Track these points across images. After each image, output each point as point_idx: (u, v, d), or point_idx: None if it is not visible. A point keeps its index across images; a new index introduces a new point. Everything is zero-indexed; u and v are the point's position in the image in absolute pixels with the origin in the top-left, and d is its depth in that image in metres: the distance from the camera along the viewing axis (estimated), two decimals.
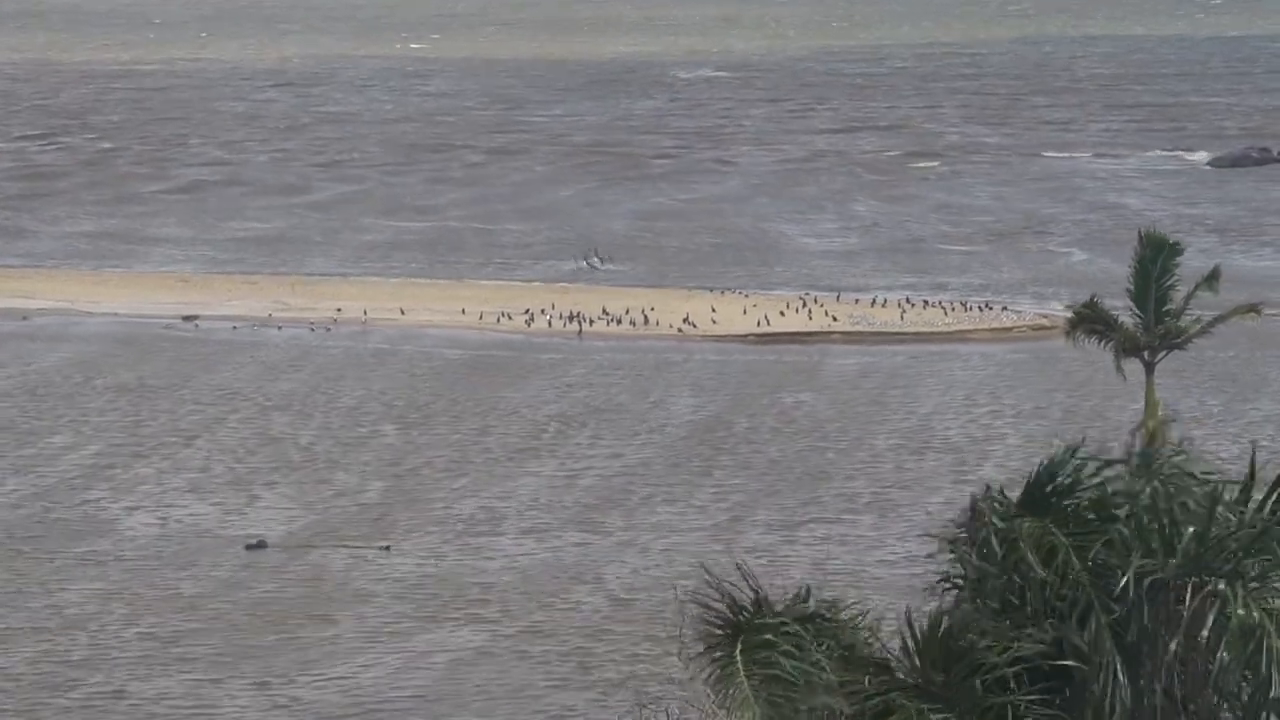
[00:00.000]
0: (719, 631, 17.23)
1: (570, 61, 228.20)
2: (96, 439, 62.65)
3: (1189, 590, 16.94)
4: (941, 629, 16.95)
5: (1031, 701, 16.78)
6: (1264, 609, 16.67)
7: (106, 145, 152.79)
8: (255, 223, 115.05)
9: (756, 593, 17.44)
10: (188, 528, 52.78)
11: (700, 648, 17.23)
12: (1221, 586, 16.85)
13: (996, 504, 17.84)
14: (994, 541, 17.47)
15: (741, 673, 16.78)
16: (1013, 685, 16.74)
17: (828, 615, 17.49)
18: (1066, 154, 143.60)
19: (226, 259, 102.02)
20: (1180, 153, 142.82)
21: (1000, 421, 65.29)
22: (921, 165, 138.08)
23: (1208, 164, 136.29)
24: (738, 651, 16.91)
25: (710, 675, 17.04)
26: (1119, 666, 16.82)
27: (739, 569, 17.81)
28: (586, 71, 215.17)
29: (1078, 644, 16.87)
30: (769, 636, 16.99)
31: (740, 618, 17.26)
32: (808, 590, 17.96)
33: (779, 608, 17.42)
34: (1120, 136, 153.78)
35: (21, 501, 55.30)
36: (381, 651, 43.51)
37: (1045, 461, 17.97)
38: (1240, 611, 16.64)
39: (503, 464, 59.39)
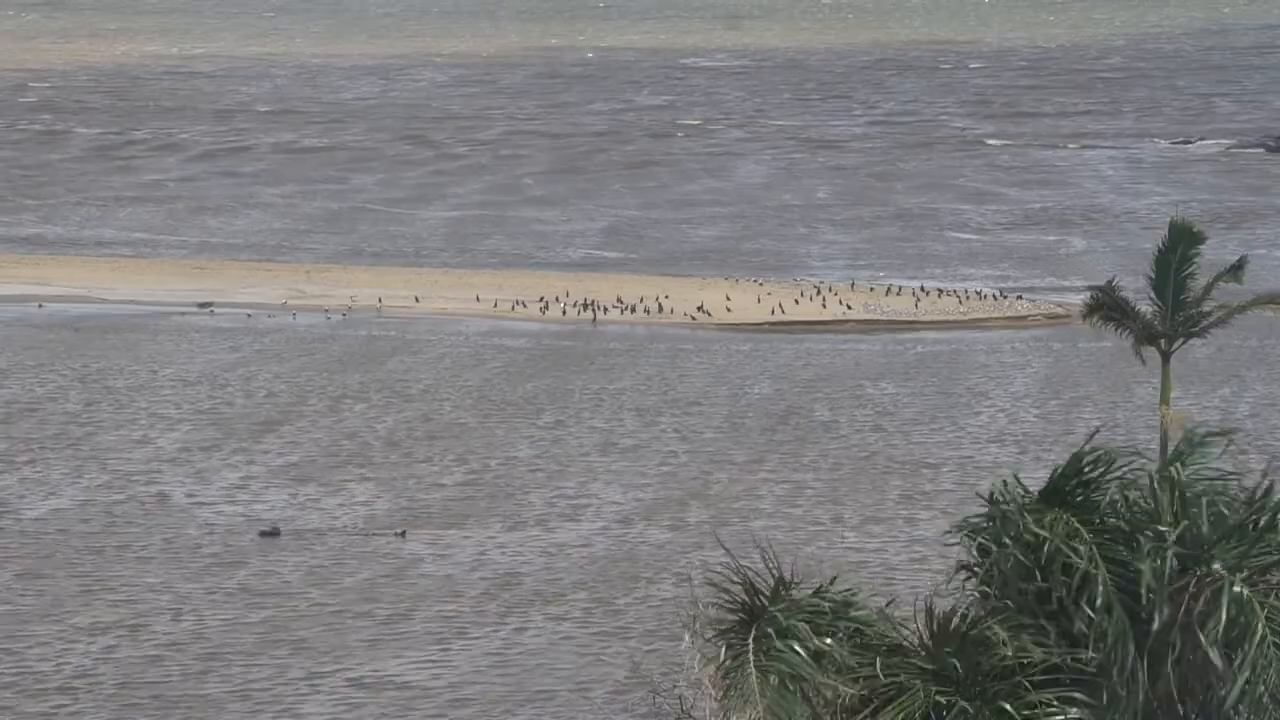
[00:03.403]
0: (733, 618, 17.09)
1: (569, 50, 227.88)
2: (176, 430, 62.51)
3: (1194, 581, 16.90)
4: (956, 619, 16.83)
5: (1043, 689, 16.67)
6: (1257, 596, 16.64)
7: (113, 134, 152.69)
8: (263, 211, 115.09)
9: (776, 578, 17.27)
10: (276, 518, 52.66)
11: (713, 634, 17.07)
12: (1219, 571, 16.80)
13: (1015, 495, 17.75)
14: (1017, 531, 17.39)
15: (751, 664, 16.65)
16: (1025, 682, 16.64)
17: (846, 603, 17.34)
18: (1076, 144, 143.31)
19: (240, 245, 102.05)
20: (1193, 141, 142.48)
21: (1076, 412, 64.62)
22: (921, 157, 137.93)
23: (1223, 153, 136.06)
24: (750, 640, 16.80)
25: (721, 664, 16.87)
26: (1138, 664, 16.71)
27: (760, 553, 17.64)
28: (586, 63, 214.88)
29: (1095, 639, 16.75)
30: (781, 626, 16.82)
31: (757, 603, 17.11)
32: (831, 580, 17.83)
33: (797, 594, 17.27)
34: (1132, 126, 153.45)
35: (100, 494, 55.15)
36: (451, 643, 43.48)
37: (1072, 457, 17.86)
38: (1235, 589, 16.63)
39: (584, 455, 59.08)
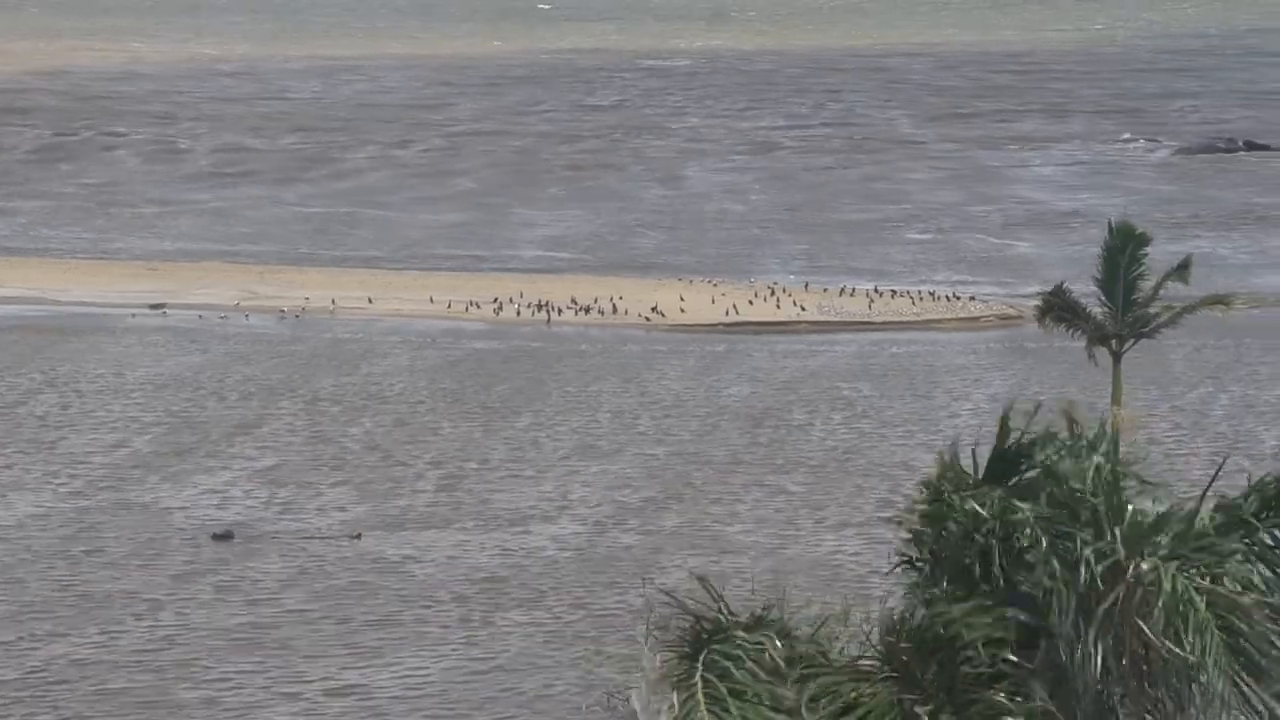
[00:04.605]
0: (681, 646, 17.12)
1: (520, 53, 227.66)
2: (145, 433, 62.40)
3: (1130, 570, 17.07)
4: (908, 618, 16.85)
5: (1003, 682, 16.72)
6: (1191, 583, 16.86)
7: (58, 135, 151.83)
8: (210, 213, 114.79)
9: (720, 606, 17.32)
10: (250, 522, 52.62)
11: (661, 662, 17.12)
12: (1154, 565, 16.98)
13: (952, 477, 17.87)
14: (952, 518, 17.52)
15: (700, 691, 16.70)
16: (983, 668, 16.70)
17: (793, 626, 17.34)
18: (1024, 147, 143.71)
19: (188, 248, 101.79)
20: (1144, 143, 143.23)
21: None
22: (870, 160, 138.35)
23: (1173, 155, 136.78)
24: (699, 669, 16.89)
25: (670, 692, 16.90)
26: (1093, 647, 16.90)
27: (700, 582, 17.67)
28: (536, 65, 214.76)
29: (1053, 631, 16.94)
30: (730, 650, 16.88)
31: (703, 631, 17.12)
32: (773, 603, 17.84)
33: (743, 619, 17.27)
34: (1081, 128, 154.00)
35: (72, 500, 55.07)
36: (409, 647, 43.58)
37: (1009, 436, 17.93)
38: (1168, 587, 16.83)
39: (560, 458, 59.13)
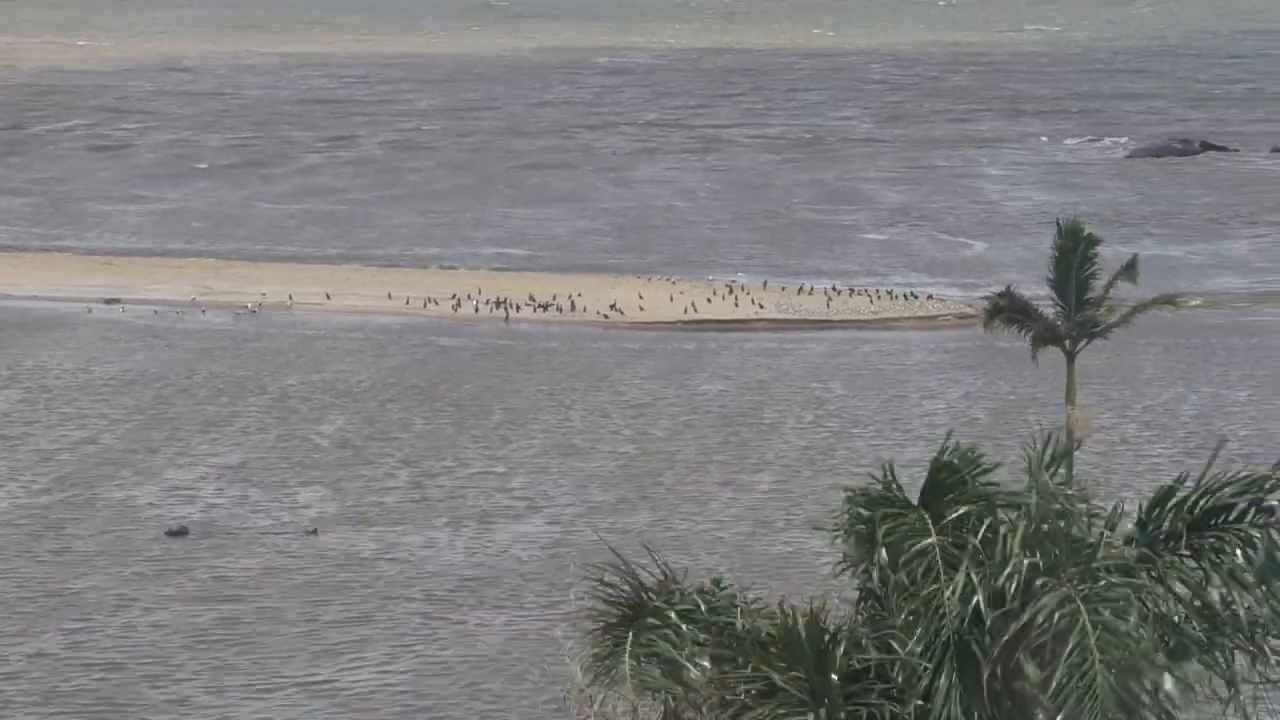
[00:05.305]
0: (616, 614, 17.26)
1: (482, 50, 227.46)
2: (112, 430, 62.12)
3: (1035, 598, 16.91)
4: (817, 629, 16.85)
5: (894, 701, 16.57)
6: (1075, 598, 16.62)
7: (6, 129, 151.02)
8: (167, 208, 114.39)
9: (663, 574, 17.43)
10: (216, 520, 52.39)
11: (594, 628, 17.22)
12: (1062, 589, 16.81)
13: (870, 495, 17.87)
14: (875, 539, 17.52)
15: (628, 652, 16.83)
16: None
17: (725, 601, 17.38)
18: (979, 147, 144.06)
19: (149, 244, 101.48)
20: (1099, 143, 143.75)
21: (1022, 411, 64.66)
22: (825, 160, 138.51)
23: (1128, 155, 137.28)
24: (630, 635, 16.94)
25: (596, 654, 17.03)
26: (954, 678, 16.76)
27: (648, 551, 17.75)
28: (495, 62, 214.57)
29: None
30: (661, 619, 16.99)
31: (644, 597, 17.26)
32: (718, 580, 17.89)
33: (680, 594, 17.36)
34: (1037, 129, 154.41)
35: (42, 494, 54.79)
36: (362, 647, 43.48)
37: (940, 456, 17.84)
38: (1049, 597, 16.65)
39: (536, 455, 58.97)
